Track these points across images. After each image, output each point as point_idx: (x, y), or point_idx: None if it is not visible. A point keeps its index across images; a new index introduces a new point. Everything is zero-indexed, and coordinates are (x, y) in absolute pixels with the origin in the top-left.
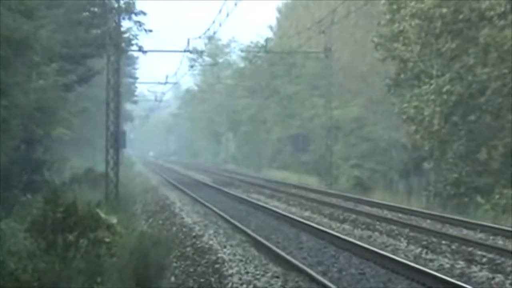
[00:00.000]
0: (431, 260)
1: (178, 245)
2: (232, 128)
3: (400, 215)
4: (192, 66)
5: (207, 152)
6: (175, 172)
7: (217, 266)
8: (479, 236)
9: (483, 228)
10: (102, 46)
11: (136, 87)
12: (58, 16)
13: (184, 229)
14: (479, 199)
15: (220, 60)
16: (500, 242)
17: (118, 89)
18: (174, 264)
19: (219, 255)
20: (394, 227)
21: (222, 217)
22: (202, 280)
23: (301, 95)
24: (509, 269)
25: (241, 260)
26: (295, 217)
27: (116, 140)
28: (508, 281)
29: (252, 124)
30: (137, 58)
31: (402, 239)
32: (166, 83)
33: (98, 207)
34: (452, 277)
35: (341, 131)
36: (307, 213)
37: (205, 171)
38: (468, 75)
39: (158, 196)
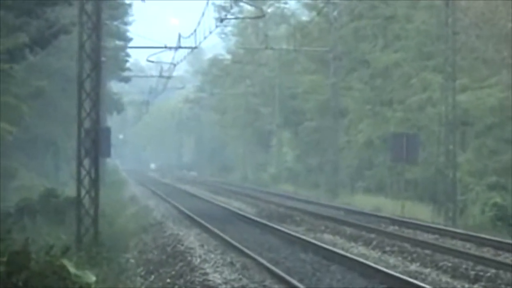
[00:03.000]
0: None
1: None
2: (288, 124)
3: None
4: (221, 21)
5: (247, 164)
6: (193, 198)
7: None
8: None
9: None
10: None
11: (128, 55)
12: None
13: None
14: None
15: (269, 10)
16: None
17: (99, 58)
18: None
19: None
20: None
21: (273, 273)
22: None
23: (405, 69)
24: None
25: None
26: (394, 273)
27: (95, 144)
28: None
29: (323, 117)
30: (129, 5)
31: None
32: (178, 48)
33: (64, 256)
34: None
35: (472, 129)
36: (414, 267)
37: (244, 196)
38: None
39: (164, 238)
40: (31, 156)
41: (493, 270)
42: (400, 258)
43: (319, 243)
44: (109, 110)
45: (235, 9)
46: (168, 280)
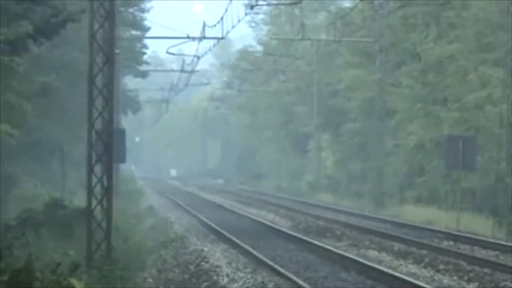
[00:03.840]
0: None
1: None
2: (328, 126)
3: None
4: (252, 7)
5: (281, 170)
6: (220, 209)
7: None
8: None
9: None
10: None
11: (146, 47)
12: None
13: None
14: None
15: None
16: None
17: (112, 50)
18: None
19: None
20: None
21: None
22: None
23: (461, 63)
24: None
25: None
26: None
27: (108, 148)
28: None
29: (367, 117)
30: None
31: None
32: (202, 38)
33: (73, 275)
34: None
35: None
36: None
37: (277, 207)
38: None
39: (187, 255)
40: (35, 161)
41: None
42: (455, 278)
43: (363, 261)
44: (124, 109)
45: None
46: None
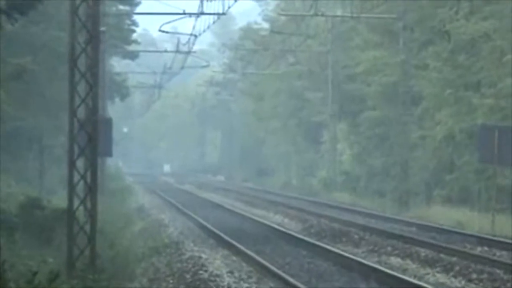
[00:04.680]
0: None
1: None
2: (344, 114)
3: None
4: None
5: (290, 166)
6: (220, 210)
7: None
8: None
9: None
10: None
11: (135, 24)
12: None
13: None
14: None
15: None
16: None
17: (97, 28)
18: None
19: None
20: None
21: None
22: None
23: (496, 43)
24: None
25: None
26: None
27: (92, 140)
28: None
29: (389, 105)
30: None
31: None
32: (200, 15)
33: (52, 286)
34: None
35: None
36: None
37: (286, 208)
38: None
39: (182, 262)
40: (9, 155)
41: None
42: None
43: (384, 269)
44: (110, 95)
45: None
46: None
